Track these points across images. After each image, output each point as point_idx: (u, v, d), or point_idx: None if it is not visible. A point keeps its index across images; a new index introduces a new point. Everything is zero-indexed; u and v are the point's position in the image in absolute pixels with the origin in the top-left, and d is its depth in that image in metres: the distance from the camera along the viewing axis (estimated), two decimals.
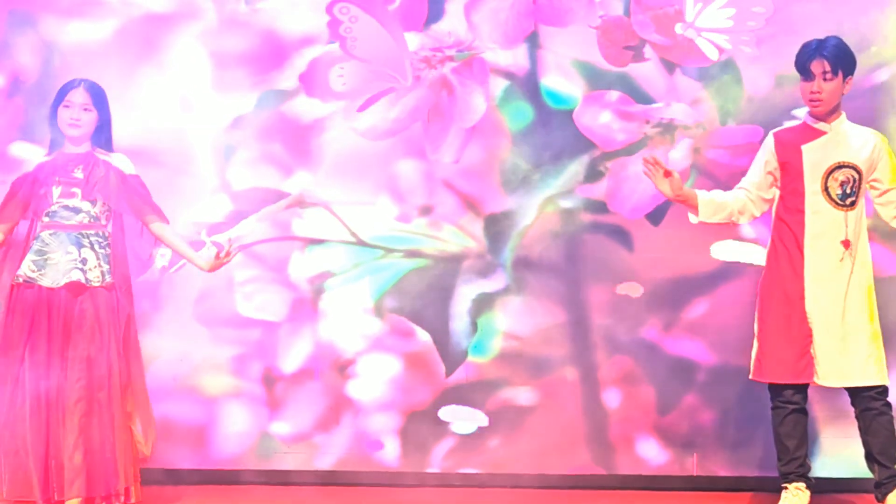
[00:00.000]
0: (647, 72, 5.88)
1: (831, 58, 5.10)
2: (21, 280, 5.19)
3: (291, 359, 5.98)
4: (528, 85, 5.93)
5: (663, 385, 5.88)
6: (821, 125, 5.17)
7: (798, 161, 5.15)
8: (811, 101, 5.14)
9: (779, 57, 5.63)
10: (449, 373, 5.92)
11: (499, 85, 5.92)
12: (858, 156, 5.12)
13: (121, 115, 5.70)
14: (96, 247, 5.22)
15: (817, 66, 5.11)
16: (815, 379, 5.15)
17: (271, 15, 5.99)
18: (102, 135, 5.35)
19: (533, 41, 5.90)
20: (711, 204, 5.14)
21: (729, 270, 5.83)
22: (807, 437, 5.17)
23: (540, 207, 5.90)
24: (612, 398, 5.90)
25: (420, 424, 5.94)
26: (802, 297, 5.13)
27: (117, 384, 5.18)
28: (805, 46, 5.19)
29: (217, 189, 5.97)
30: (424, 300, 5.95)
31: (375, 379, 5.96)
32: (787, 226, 5.15)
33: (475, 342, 5.94)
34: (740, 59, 5.81)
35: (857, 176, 5.12)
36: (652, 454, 5.88)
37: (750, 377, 5.23)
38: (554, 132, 5.91)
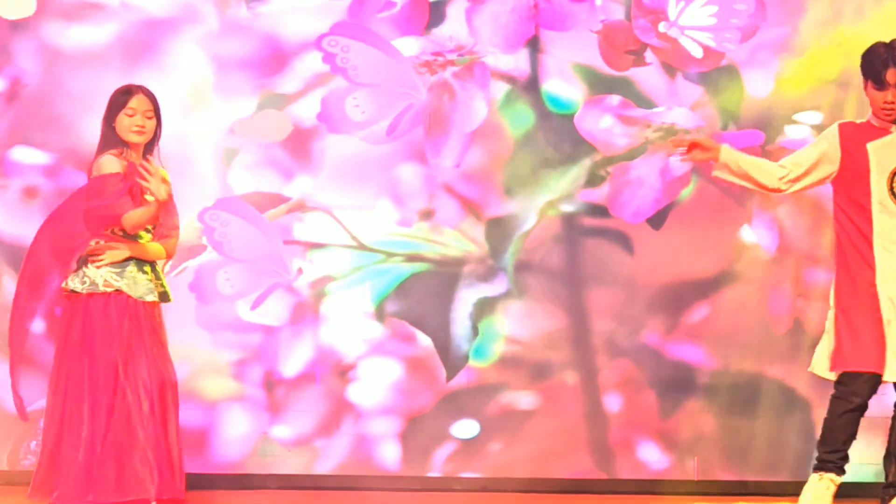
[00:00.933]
0: (648, 76, 5.89)
1: (886, 52, 5.04)
2: (101, 289, 5.14)
3: (292, 363, 5.98)
4: (530, 89, 5.94)
5: (664, 389, 5.88)
6: (884, 124, 5.09)
7: (864, 157, 5.07)
8: (885, 110, 5.05)
9: (779, 60, 5.65)
10: (450, 377, 5.92)
11: (500, 89, 5.93)
12: None
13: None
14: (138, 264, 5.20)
15: (893, 76, 5.01)
16: (886, 376, 5.07)
17: (272, 19, 5.98)
18: (155, 145, 5.31)
19: (534, 45, 5.91)
20: (732, 157, 5.06)
21: (730, 275, 5.83)
22: (855, 435, 5.07)
23: (541, 212, 5.90)
24: (613, 402, 5.90)
25: (421, 429, 5.94)
26: (876, 296, 5.05)
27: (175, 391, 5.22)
28: (875, 53, 5.09)
29: (218, 193, 5.95)
30: (425, 304, 5.95)
31: (376, 383, 5.96)
32: (853, 224, 5.08)
33: (476, 346, 5.94)
34: (741, 63, 5.80)
35: None
36: (653, 458, 5.89)
37: (829, 370, 5.08)
38: (555, 137, 5.93)
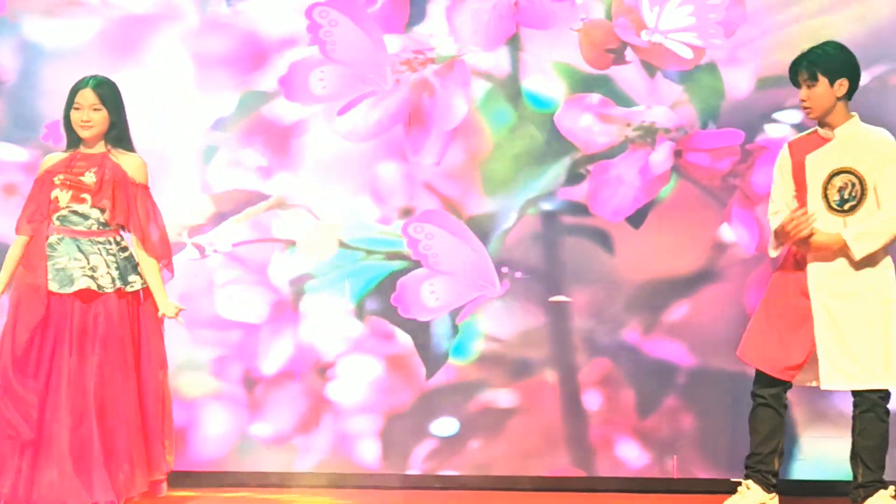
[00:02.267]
0: (628, 74, 5.88)
1: (808, 64, 5.09)
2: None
3: (272, 361, 5.99)
4: (510, 87, 5.94)
5: (643, 387, 5.88)
6: (826, 132, 5.13)
7: (803, 170, 5.13)
8: (802, 108, 5.15)
9: (759, 59, 5.65)
10: (430, 375, 5.92)
11: (480, 87, 5.93)
12: (861, 161, 5.07)
13: None
14: (104, 253, 5.14)
15: (801, 75, 5.12)
16: (822, 384, 5.13)
17: (253, 16, 5.99)
18: (116, 132, 5.24)
19: (514, 44, 5.91)
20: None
21: (709, 273, 5.83)
22: (776, 436, 5.13)
23: (521, 210, 5.91)
24: (592, 400, 5.89)
25: (400, 427, 5.94)
26: (807, 306, 5.11)
27: (131, 390, 5.16)
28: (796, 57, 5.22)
29: (198, 191, 5.95)
30: (406, 302, 5.92)
31: (356, 381, 5.96)
32: None
33: (456, 344, 5.93)
34: (721, 62, 5.78)
35: (856, 181, 5.07)
36: (632, 456, 5.88)
37: (737, 353, 5.22)
38: (535, 135, 5.92)
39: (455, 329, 5.94)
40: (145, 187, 5.25)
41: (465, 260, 5.89)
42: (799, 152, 5.18)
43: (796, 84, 5.15)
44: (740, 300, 5.61)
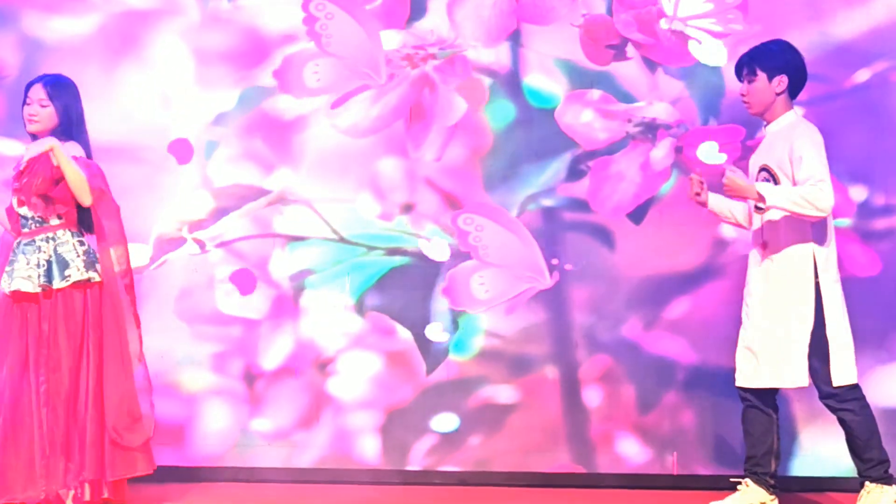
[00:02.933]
0: (629, 71, 5.88)
1: (749, 59, 5.14)
2: None
3: (272, 356, 6.00)
4: (511, 83, 5.94)
5: (644, 384, 5.88)
6: (765, 130, 5.21)
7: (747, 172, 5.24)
8: (743, 103, 5.22)
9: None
10: (430, 371, 5.93)
11: (482, 83, 5.93)
12: (775, 157, 5.10)
13: (102, 111, 5.87)
14: (49, 250, 5.18)
15: (742, 71, 5.17)
16: (736, 382, 5.18)
17: (253, 12, 6.02)
18: (65, 128, 5.25)
19: (515, 39, 5.92)
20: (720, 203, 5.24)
21: (710, 270, 5.83)
22: (768, 437, 5.14)
23: (521, 206, 5.91)
24: (592, 397, 5.89)
25: (400, 423, 5.95)
26: (745, 303, 5.19)
27: (84, 384, 5.18)
28: None
29: (198, 186, 5.97)
30: (406, 298, 5.95)
31: (356, 377, 5.97)
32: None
33: (456, 340, 5.94)
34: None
35: (770, 178, 5.10)
36: (632, 453, 5.88)
37: None
38: (536, 131, 5.92)
39: (455, 325, 5.92)
40: (82, 160, 5.19)
41: (515, 252, 5.88)
42: (755, 150, 5.27)
43: (740, 79, 5.20)
44: (741, 297, 5.42)
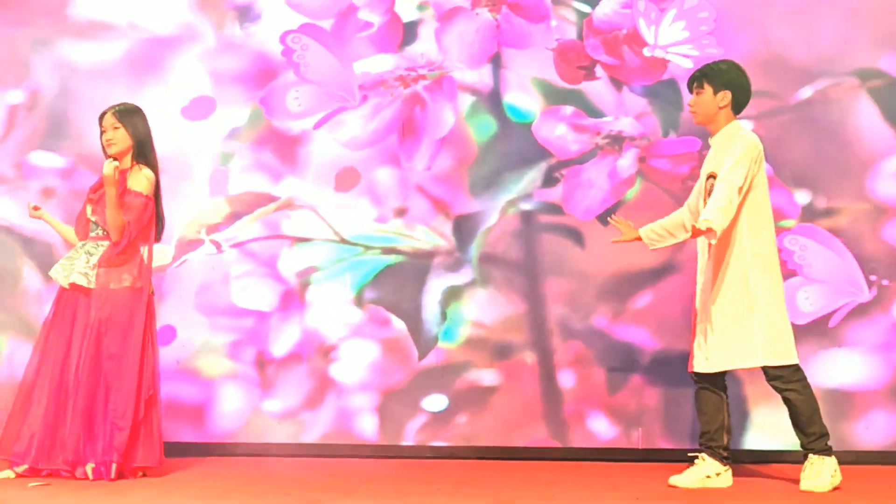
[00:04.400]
0: (597, 89, 5.95)
1: (699, 74, 5.17)
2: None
3: (281, 344, 6.04)
4: (492, 101, 6.01)
5: (612, 367, 5.92)
6: (710, 141, 5.22)
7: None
8: (690, 112, 5.23)
9: None
10: (422, 357, 5.97)
11: (466, 101, 6.00)
12: (719, 164, 5.09)
13: None
14: (100, 250, 5.28)
15: (691, 84, 5.20)
16: (689, 367, 5.20)
17: (262, 38, 6.08)
18: (138, 148, 5.33)
19: (496, 62, 5.99)
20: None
21: (669, 266, 5.88)
22: (719, 415, 5.15)
23: (502, 210, 5.97)
24: (566, 379, 5.95)
25: (396, 403, 5.99)
26: (696, 296, 5.22)
27: (124, 371, 5.20)
28: None
29: (215, 193, 6.06)
30: (400, 292, 6.00)
31: (356, 362, 6.02)
32: None
33: (445, 329, 5.99)
34: (680, 78, 5.84)
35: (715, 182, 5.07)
36: (602, 429, 5.93)
37: None
38: (515, 143, 5.99)
39: (444, 315, 5.97)
40: (138, 194, 5.23)
41: (836, 268, 5.82)
42: None
43: (690, 91, 5.21)
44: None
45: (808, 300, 5.85)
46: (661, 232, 5.29)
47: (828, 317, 5.85)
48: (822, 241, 5.85)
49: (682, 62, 5.89)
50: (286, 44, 6.00)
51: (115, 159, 5.27)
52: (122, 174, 5.27)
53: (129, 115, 5.35)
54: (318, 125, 6.00)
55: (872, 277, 5.86)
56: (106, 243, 5.29)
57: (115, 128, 5.31)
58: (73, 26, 6.10)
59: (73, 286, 5.25)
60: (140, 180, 5.26)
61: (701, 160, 5.71)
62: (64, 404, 5.23)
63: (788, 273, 5.79)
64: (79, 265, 5.26)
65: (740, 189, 5.00)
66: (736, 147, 5.07)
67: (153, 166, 5.34)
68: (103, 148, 5.35)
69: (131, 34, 6.10)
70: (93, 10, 6.13)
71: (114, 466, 5.18)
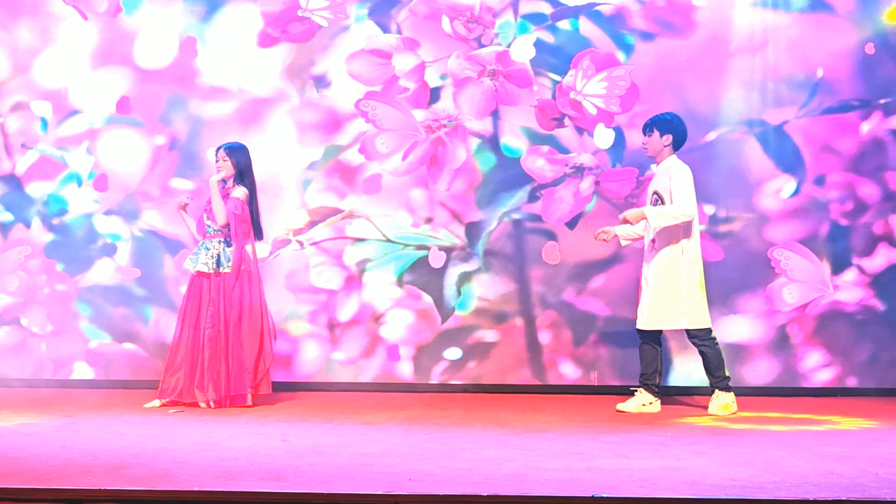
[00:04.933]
0: (566, 134, 5.98)
1: (650, 122, 5.21)
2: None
3: (345, 312, 6.07)
4: (492, 142, 6.02)
5: (576, 329, 5.99)
6: (654, 168, 5.32)
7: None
8: (643, 148, 5.28)
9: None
10: (443, 321, 6.00)
11: (474, 142, 6.02)
12: (662, 185, 5.15)
13: None
14: (220, 247, 5.32)
15: (644, 129, 5.25)
16: (636, 325, 5.22)
17: (332, 98, 6.06)
18: (238, 174, 5.39)
19: (495, 115, 6.00)
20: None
21: (617, 257, 5.90)
22: (654, 362, 5.16)
23: (499, 218, 6.01)
24: (544, 337, 6.02)
25: (425, 354, 6.05)
26: (642, 276, 5.28)
27: (235, 331, 5.24)
28: None
29: (298, 207, 6.08)
30: (428, 276, 6.03)
31: (397, 325, 6.06)
32: None
33: (459, 302, 6.04)
34: (624, 125, 5.88)
35: (658, 198, 5.16)
36: (569, 372, 6.01)
37: None
38: (508, 172, 6.01)
39: (459, 292, 5.99)
40: (233, 198, 5.29)
41: (810, 272, 5.81)
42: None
43: (643, 133, 5.23)
44: (639, 274, 5.47)
45: (790, 295, 5.86)
46: (631, 234, 5.29)
47: (804, 307, 5.84)
48: (800, 252, 5.85)
49: (589, 107, 5.84)
50: (360, 108, 5.97)
51: (224, 182, 5.38)
52: (227, 191, 5.35)
53: (235, 151, 5.40)
54: (405, 157, 5.94)
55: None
56: (217, 239, 5.29)
57: (225, 160, 5.39)
58: (199, 90, 6.11)
59: (199, 273, 5.34)
60: (237, 192, 5.35)
61: (638, 185, 5.85)
62: (198, 357, 5.28)
63: (776, 276, 5.82)
64: (202, 258, 5.34)
65: (689, 215, 5.03)
66: (679, 176, 5.07)
67: (249, 186, 5.38)
68: (217, 171, 5.44)
69: (240, 96, 6.10)
70: (213, 79, 6.10)
71: (249, 397, 5.22)
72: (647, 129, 5.22)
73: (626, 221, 5.12)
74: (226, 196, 5.40)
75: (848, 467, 3.86)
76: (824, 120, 5.89)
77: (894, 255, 5.92)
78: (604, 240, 5.27)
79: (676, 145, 5.21)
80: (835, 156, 5.90)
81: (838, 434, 4.66)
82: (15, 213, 6.21)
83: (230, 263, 5.30)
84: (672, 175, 5.10)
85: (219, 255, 5.35)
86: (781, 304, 5.88)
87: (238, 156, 5.43)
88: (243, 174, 5.41)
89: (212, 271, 5.30)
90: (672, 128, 5.21)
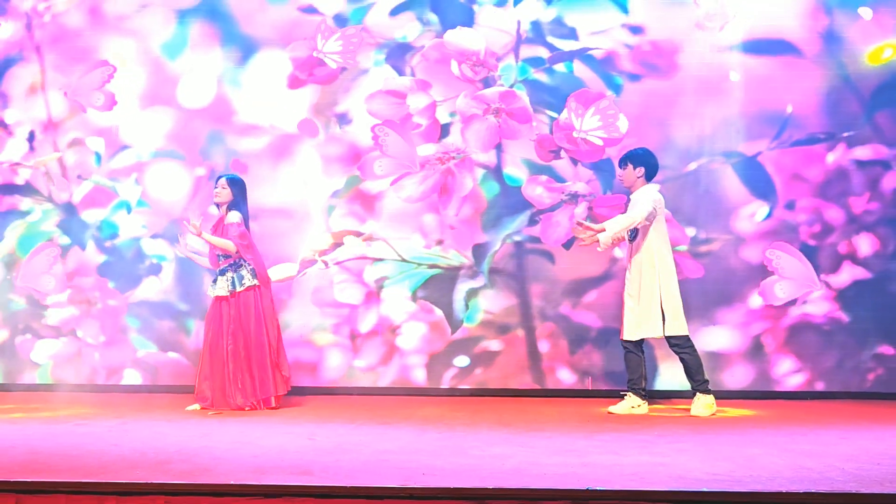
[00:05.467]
0: (562, 165, 5.95)
1: (624, 157, 5.23)
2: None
3: (365, 324, 6.04)
4: (496, 172, 5.98)
5: (572, 338, 5.96)
6: (630, 197, 5.28)
7: None
8: (619, 180, 5.30)
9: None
10: (453, 332, 5.96)
11: (479, 172, 5.99)
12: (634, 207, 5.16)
13: (271, 189, 5.95)
14: (230, 273, 5.30)
15: (620, 162, 5.27)
16: (620, 336, 5.21)
17: (354, 134, 6.04)
18: (234, 201, 5.36)
19: (499, 148, 5.96)
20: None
21: (608, 275, 5.89)
22: (640, 368, 5.15)
23: (503, 240, 5.97)
24: (543, 346, 5.98)
25: (437, 361, 6.01)
26: (625, 290, 5.25)
27: (256, 343, 5.21)
28: None
29: (324, 230, 6.05)
30: (439, 292, 5.99)
31: (412, 336, 6.02)
32: None
33: (467, 315, 5.99)
34: (614, 157, 5.75)
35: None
36: (566, 378, 5.97)
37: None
38: (510, 199, 5.97)
39: (467, 306, 5.95)
40: (232, 224, 5.24)
41: (799, 270, 5.76)
42: None
43: (619, 167, 5.26)
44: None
45: (781, 290, 5.80)
46: (607, 242, 5.19)
47: (792, 302, 5.78)
48: (790, 252, 5.80)
49: (596, 140, 5.84)
50: (374, 132, 5.93)
51: (217, 206, 5.36)
52: (220, 219, 5.34)
53: (235, 183, 5.38)
54: (393, 183, 5.90)
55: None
56: (227, 265, 5.28)
57: (224, 187, 5.37)
58: (235, 127, 6.09)
59: (217, 297, 5.34)
60: (233, 217, 5.31)
61: (625, 207, 5.65)
62: (224, 366, 5.27)
63: (768, 273, 5.76)
64: (219, 284, 5.33)
65: (634, 222, 5.03)
66: (642, 193, 5.17)
67: (243, 213, 5.33)
68: (215, 196, 5.40)
69: (272, 132, 6.08)
70: (248, 117, 6.07)
71: (273, 399, 5.21)
72: (622, 162, 5.23)
73: (586, 230, 5.08)
74: (219, 223, 5.39)
75: (817, 463, 3.88)
76: (794, 151, 5.88)
77: (858, 272, 5.90)
78: (581, 238, 5.18)
79: (649, 176, 5.23)
80: (803, 183, 5.89)
81: (808, 433, 4.65)
82: (72, 236, 6.25)
83: (243, 283, 5.29)
84: (641, 199, 5.11)
85: (233, 279, 5.36)
86: (774, 299, 5.81)
87: (236, 187, 5.42)
88: (238, 203, 5.39)
89: (229, 293, 5.29)
90: (644, 161, 5.24)
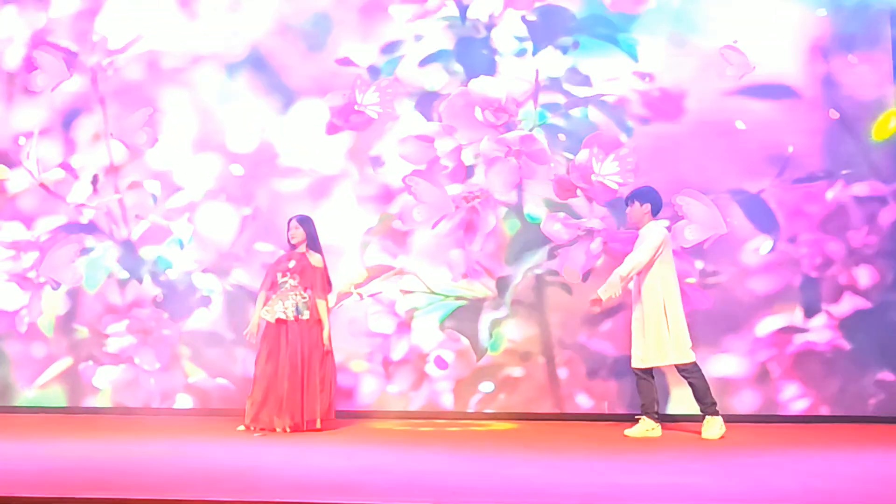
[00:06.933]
0: (579, 203, 5.91)
1: (630, 195, 5.25)
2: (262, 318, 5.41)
3: (398, 352, 6.02)
4: (517, 210, 5.98)
5: (590, 365, 5.91)
6: (639, 232, 5.26)
7: None
8: (627, 215, 5.28)
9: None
10: (478, 359, 5.92)
11: (502, 211, 5.98)
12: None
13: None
14: (297, 299, 5.35)
15: (626, 200, 5.28)
16: (631, 364, 5.17)
17: (386, 175, 6.07)
18: (309, 241, 5.48)
19: (520, 188, 5.94)
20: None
21: (622, 305, 5.75)
22: (652, 393, 5.13)
23: (524, 273, 5.93)
24: (562, 372, 5.94)
25: (463, 387, 5.98)
26: (633, 319, 5.23)
27: (309, 368, 5.25)
28: None
29: (359, 265, 6.05)
30: (466, 322, 5.96)
31: (440, 363, 6.01)
32: None
33: (491, 344, 5.96)
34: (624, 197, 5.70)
35: None
36: (584, 402, 5.92)
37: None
38: (530, 234, 5.95)
39: (491, 335, 5.91)
40: (318, 268, 5.36)
41: (706, 214, 5.61)
42: None
43: (626, 205, 5.28)
44: None
45: (690, 234, 5.64)
46: (613, 294, 5.13)
47: (702, 243, 5.63)
48: (698, 199, 5.65)
49: (611, 185, 5.80)
50: (405, 182, 5.93)
51: (294, 247, 5.38)
52: (303, 255, 5.38)
53: (304, 221, 5.49)
54: (433, 227, 5.90)
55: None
56: (293, 292, 5.28)
57: (297, 227, 5.46)
58: (277, 170, 6.16)
59: (278, 321, 5.35)
60: (317, 260, 5.43)
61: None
62: (278, 390, 5.29)
63: (679, 218, 5.60)
64: (278, 308, 5.34)
65: (641, 263, 4.99)
66: (647, 232, 5.13)
67: (319, 250, 5.46)
68: (289, 239, 5.49)
69: (311, 174, 6.14)
70: (289, 160, 6.14)
71: (318, 422, 5.20)
72: (629, 200, 5.23)
73: (598, 301, 5.06)
74: (301, 258, 5.46)
75: (824, 482, 3.84)
76: (795, 188, 5.83)
77: (858, 302, 5.84)
78: (599, 304, 5.14)
79: (655, 211, 5.23)
80: (804, 218, 5.85)
81: (814, 455, 4.62)
82: (130, 271, 6.30)
83: (308, 311, 5.33)
84: (648, 236, 5.11)
85: (297, 305, 5.39)
86: (683, 241, 5.66)
87: (307, 225, 5.52)
88: (314, 239, 5.48)
89: (292, 318, 5.31)
90: (650, 198, 5.25)
